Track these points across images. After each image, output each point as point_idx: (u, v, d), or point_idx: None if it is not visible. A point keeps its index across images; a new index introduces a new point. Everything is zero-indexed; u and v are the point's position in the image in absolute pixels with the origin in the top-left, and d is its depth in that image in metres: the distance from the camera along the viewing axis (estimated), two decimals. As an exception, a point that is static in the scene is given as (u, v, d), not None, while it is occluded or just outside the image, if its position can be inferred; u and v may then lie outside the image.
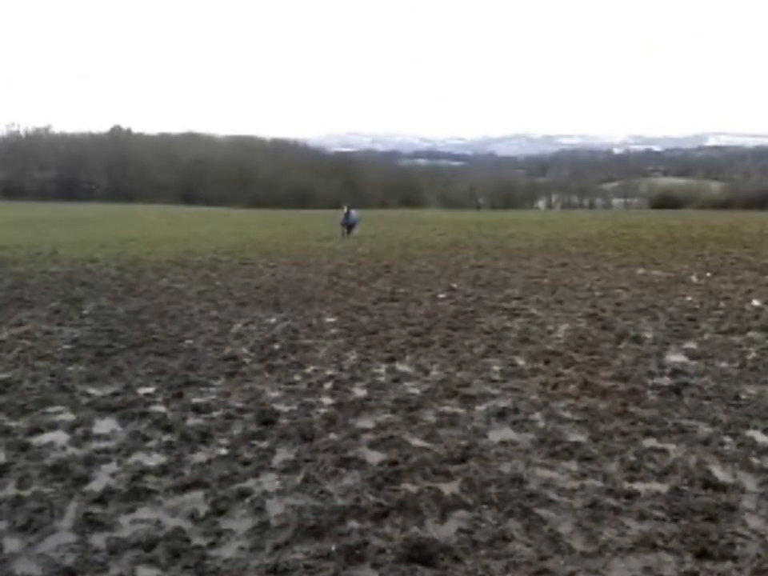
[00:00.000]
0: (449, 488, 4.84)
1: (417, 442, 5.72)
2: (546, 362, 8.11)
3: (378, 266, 17.69)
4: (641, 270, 16.30)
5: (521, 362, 8.21)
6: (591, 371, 7.71)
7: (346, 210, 28.33)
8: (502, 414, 6.35)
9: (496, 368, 7.94)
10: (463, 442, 5.66)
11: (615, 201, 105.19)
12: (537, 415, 6.35)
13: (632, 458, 5.33)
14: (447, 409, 6.53)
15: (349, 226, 28.16)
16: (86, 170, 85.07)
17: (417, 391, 7.09)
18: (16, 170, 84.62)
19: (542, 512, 4.49)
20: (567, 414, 6.36)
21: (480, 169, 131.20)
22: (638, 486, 4.86)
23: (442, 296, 12.93)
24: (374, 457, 5.41)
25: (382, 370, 7.92)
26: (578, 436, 5.79)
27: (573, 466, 5.22)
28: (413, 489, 4.82)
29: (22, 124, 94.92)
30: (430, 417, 6.31)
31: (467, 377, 7.56)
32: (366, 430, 5.98)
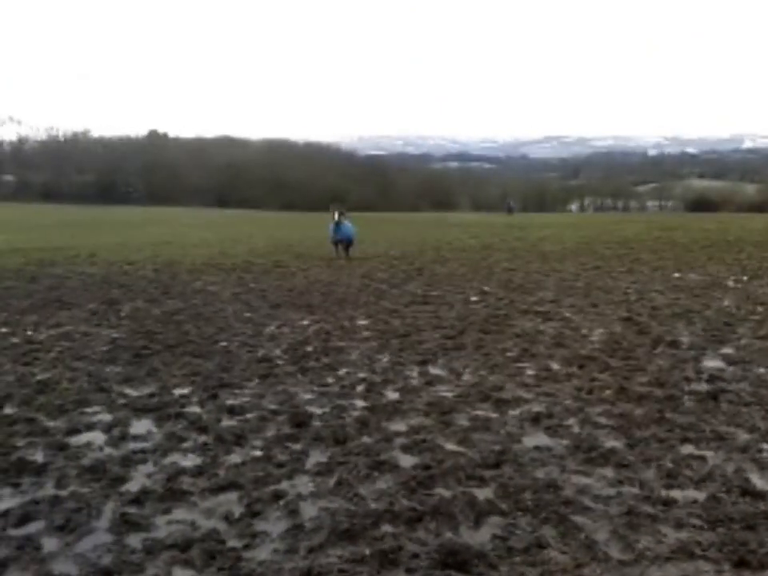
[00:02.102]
0: (483, 493, 4.80)
1: (450, 446, 5.69)
2: (581, 367, 8.02)
3: (410, 268, 17.69)
4: (676, 274, 16.05)
5: (555, 366, 8.13)
6: (627, 376, 7.60)
7: (336, 217, 19.81)
8: (536, 419, 6.29)
9: (529, 372, 7.87)
10: (497, 447, 5.61)
11: (650, 203, 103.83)
12: (571, 420, 6.27)
13: (669, 465, 5.23)
14: (480, 413, 6.49)
15: (341, 241, 20.36)
16: (123, 174, 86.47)
17: (449, 395, 7.06)
18: (55, 174, 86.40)
19: (578, 519, 4.43)
20: (603, 420, 6.27)
21: (512, 171, 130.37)
22: (675, 494, 4.77)
23: (474, 299, 12.87)
24: (407, 461, 5.39)
25: (415, 373, 7.90)
26: (613, 442, 5.71)
27: (609, 472, 5.14)
28: (446, 494, 4.80)
29: (61, 128, 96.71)
30: (463, 421, 6.28)
31: (500, 381, 7.51)
32: (398, 434, 5.96)
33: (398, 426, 6.17)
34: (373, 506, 4.63)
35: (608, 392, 7.05)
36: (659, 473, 5.11)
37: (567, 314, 11.23)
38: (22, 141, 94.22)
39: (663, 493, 4.78)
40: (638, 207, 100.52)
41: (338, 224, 19.89)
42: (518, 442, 5.76)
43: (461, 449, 5.61)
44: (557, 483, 4.93)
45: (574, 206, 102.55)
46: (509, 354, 8.68)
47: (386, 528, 4.35)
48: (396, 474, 5.14)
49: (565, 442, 5.77)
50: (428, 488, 4.89)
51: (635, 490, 4.83)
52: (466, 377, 7.72)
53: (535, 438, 5.87)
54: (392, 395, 7.08)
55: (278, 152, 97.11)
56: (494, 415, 6.43)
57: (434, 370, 8.01)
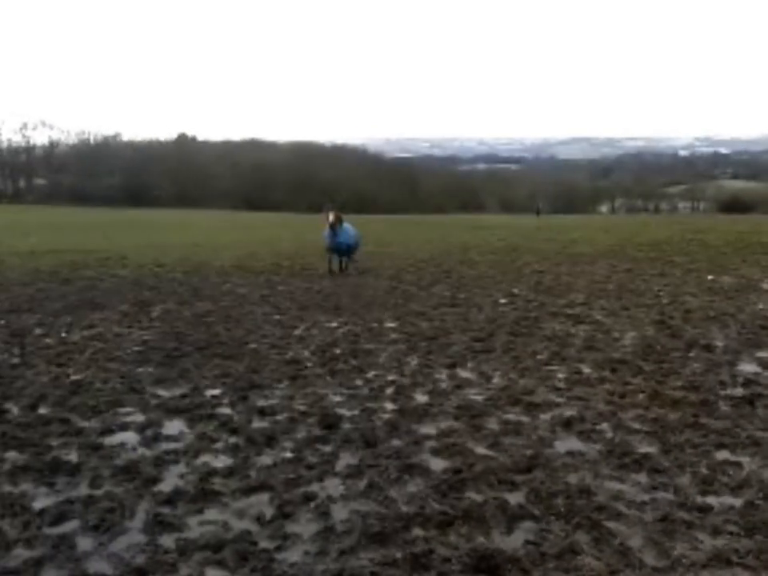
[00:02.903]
0: (515, 498, 4.77)
1: (481, 450, 5.66)
2: (613, 371, 7.93)
3: (438, 270, 17.64)
4: (710, 276, 15.80)
5: (586, 369, 8.04)
6: (660, 381, 7.49)
7: (331, 219, 16.90)
8: (567, 424, 6.23)
9: (560, 376, 7.80)
10: (528, 452, 5.57)
11: (681, 205, 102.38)
12: (604, 425, 6.20)
13: (704, 471, 5.16)
14: (511, 417, 6.45)
15: (342, 249, 17.41)
16: (152, 177, 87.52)
17: (479, 398, 7.02)
18: (85, 177, 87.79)
19: (612, 525, 4.38)
20: (636, 425, 6.19)
21: (540, 172, 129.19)
22: (711, 500, 4.70)
23: (503, 301, 12.79)
24: (438, 464, 5.38)
25: (444, 376, 7.87)
26: (647, 447, 5.63)
27: (643, 478, 5.08)
28: (478, 498, 4.77)
29: (91, 132, 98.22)
30: (493, 425, 6.24)
31: (531, 384, 7.45)
32: (428, 437, 5.95)
33: (428, 429, 6.16)
34: (404, 509, 4.62)
35: (641, 396, 6.97)
36: (694, 479, 5.03)
37: (598, 317, 11.10)
38: (53, 145, 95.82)
39: (699, 499, 4.71)
40: (670, 209, 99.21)
41: (333, 227, 16.93)
42: (549, 447, 5.72)
43: (491, 453, 5.58)
44: (590, 488, 4.88)
45: (604, 208, 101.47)
46: (539, 357, 8.61)
47: (417, 531, 4.34)
48: (426, 477, 5.13)
49: (598, 446, 5.71)
50: (459, 492, 4.88)
51: (670, 496, 4.76)
52: (496, 380, 7.67)
53: (567, 443, 5.81)
54: (421, 398, 7.06)
55: (305, 154, 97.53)
56: (525, 419, 6.39)
57: (463, 373, 7.98)
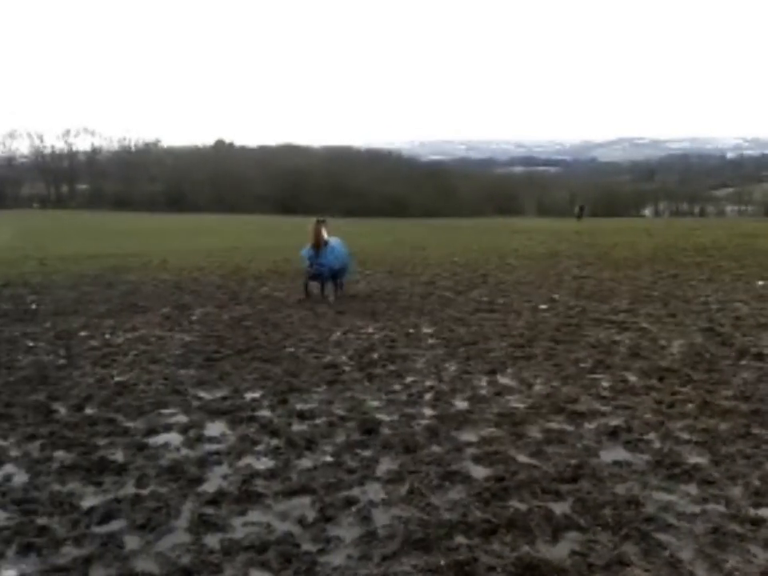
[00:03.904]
0: (560, 508, 4.70)
1: (523, 458, 5.58)
2: (660, 379, 7.76)
3: (475, 275, 17.52)
4: (760, 282, 15.39)
5: (632, 378, 7.88)
6: (710, 390, 7.31)
7: (319, 235, 13.70)
8: (613, 433, 6.11)
9: (605, 384, 7.66)
10: (573, 461, 5.48)
11: (729, 208, 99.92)
12: (652, 435, 6.06)
13: (756, 483, 5.02)
14: (554, 425, 6.35)
15: (324, 275, 13.76)
16: (191, 183, 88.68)
17: (521, 405, 6.94)
18: (127, 183, 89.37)
19: (661, 536, 4.29)
20: (685, 435, 6.05)
21: (580, 175, 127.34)
22: (763, 512, 4.58)
23: (543, 307, 12.65)
24: (479, 471, 5.32)
25: (483, 383, 7.80)
26: (697, 458, 5.50)
27: (693, 489, 4.96)
28: (522, 506, 4.71)
29: (133, 138, 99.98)
30: (535, 433, 6.16)
31: (574, 392, 7.34)
32: (469, 444, 5.89)
33: (469, 436, 6.10)
34: (446, 516, 4.58)
35: (690, 406, 6.81)
36: (746, 490, 4.90)
37: (644, 324, 10.89)
38: (95, 151, 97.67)
39: (751, 511, 4.59)
40: (716, 212, 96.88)
41: (316, 247, 13.51)
42: (595, 457, 5.62)
43: (535, 461, 5.51)
44: (638, 499, 4.79)
45: (647, 211, 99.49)
46: (582, 364, 8.48)
47: (460, 539, 4.30)
48: (468, 484, 5.08)
49: (645, 457, 5.59)
50: (502, 500, 4.82)
51: (721, 508, 4.65)
52: (538, 387, 7.58)
53: (613, 453, 5.71)
54: (461, 404, 7.00)
55: (340, 159, 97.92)
56: (569, 428, 6.29)
57: (503, 380, 7.90)
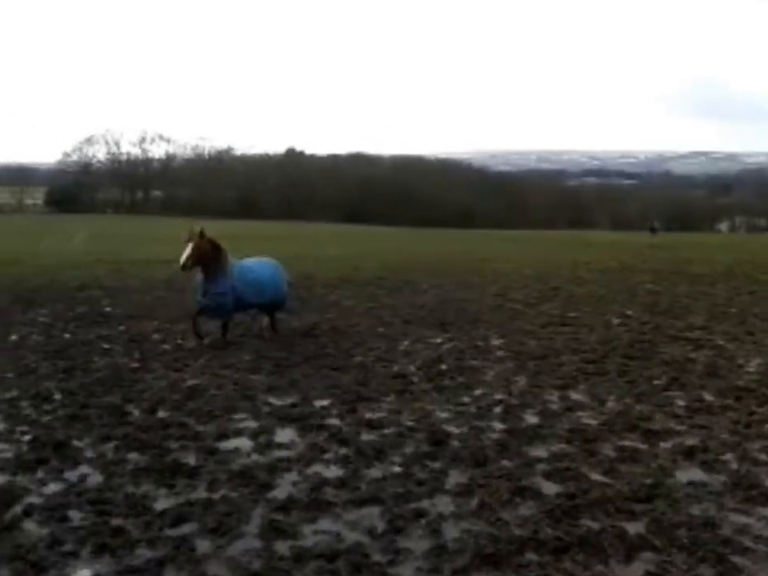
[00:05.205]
0: (634, 527, 4.58)
1: (596, 476, 5.46)
2: (737, 399, 7.48)
3: (546, 288, 17.27)
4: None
5: (708, 397, 7.63)
6: (789, 411, 7.01)
7: (185, 254, 9.89)
8: (689, 453, 5.92)
9: (680, 402, 7.43)
10: (647, 480, 5.33)
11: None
12: (729, 456, 5.86)
13: (841, 510, 4.77)
14: (627, 443, 6.19)
15: (212, 309, 10.28)
16: (261, 190, 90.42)
17: (593, 422, 6.79)
18: (199, 190, 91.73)
19: (737, 559, 4.14)
20: (763, 456, 5.83)
21: (655, 188, 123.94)
22: None
23: (616, 322, 12.36)
24: (550, 488, 5.23)
25: (554, 398, 7.66)
26: (776, 481, 5.28)
27: (772, 513, 4.76)
28: (594, 525, 4.60)
29: (206, 146, 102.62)
30: (608, 450, 6.01)
31: (648, 410, 7.14)
32: (540, 459, 5.80)
33: (539, 451, 6.01)
34: (517, 532, 4.52)
35: (770, 428, 6.54)
36: (829, 516, 4.67)
37: (720, 342, 10.54)
38: (170, 158, 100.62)
39: (834, 539, 4.36)
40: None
41: (209, 273, 10.05)
42: (670, 476, 5.46)
43: (607, 480, 5.38)
44: (714, 521, 4.64)
45: (723, 226, 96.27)
46: (656, 382, 8.25)
47: (531, 556, 4.24)
48: (539, 501, 5.00)
49: (722, 478, 5.41)
50: (574, 518, 4.72)
51: (802, 534, 4.44)
52: (610, 404, 7.40)
53: (689, 473, 5.54)
54: (531, 419, 6.90)
55: (409, 169, 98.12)
56: (643, 446, 6.13)
57: (574, 395, 7.75)
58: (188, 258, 9.81)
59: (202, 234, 10.00)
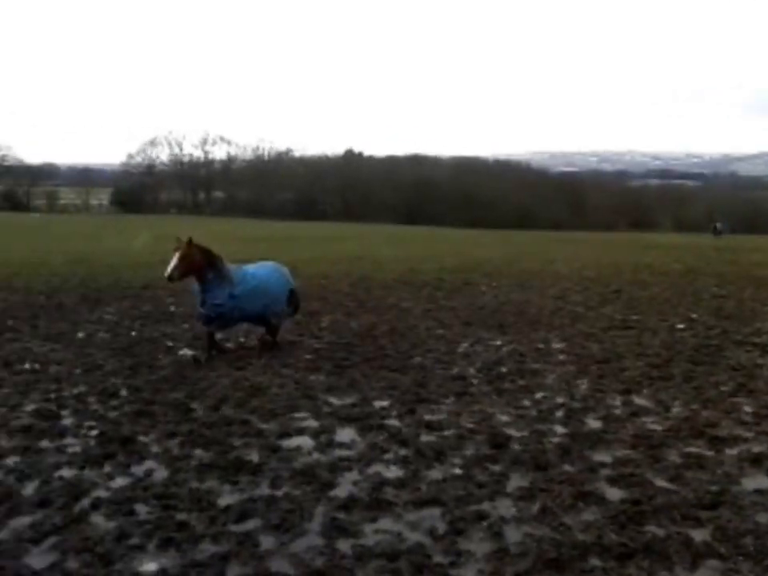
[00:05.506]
0: (699, 534, 4.50)
1: (661, 482, 5.37)
2: (809, 407, 7.23)
3: (607, 291, 16.96)
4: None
5: (777, 404, 7.39)
6: None
7: (171, 265, 9.21)
8: (756, 460, 5.78)
9: (747, 409, 7.23)
10: (713, 488, 5.22)
11: None
12: (798, 464, 5.68)
13: None
14: (693, 450, 6.06)
15: (212, 320, 9.56)
16: (320, 191, 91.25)
17: (658, 428, 6.67)
18: (259, 191, 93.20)
19: (808, 571, 4.00)
20: (834, 465, 5.62)
21: (720, 189, 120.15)
22: None
23: (680, 326, 12.06)
24: (614, 494, 5.16)
25: (618, 402, 7.54)
26: None
27: None
28: (659, 532, 4.54)
29: (266, 147, 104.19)
30: (674, 457, 5.89)
31: (714, 416, 6.96)
32: (603, 465, 5.72)
33: (603, 456, 5.93)
34: (580, 537, 4.47)
35: None
36: None
37: (789, 347, 10.18)
38: (231, 160, 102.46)
39: None
40: None
41: (204, 282, 9.47)
42: (736, 484, 5.35)
43: (673, 486, 5.29)
44: (781, 530, 4.50)
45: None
46: (723, 387, 8.04)
47: (595, 561, 4.19)
48: (603, 506, 4.94)
49: (790, 486, 5.24)
50: (639, 524, 4.66)
51: None
52: (676, 410, 7.25)
53: (756, 480, 5.42)
54: (594, 424, 6.81)
55: (467, 170, 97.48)
56: (709, 453, 6.00)
57: (638, 400, 7.61)
58: (174, 268, 9.20)
59: (189, 243, 9.35)
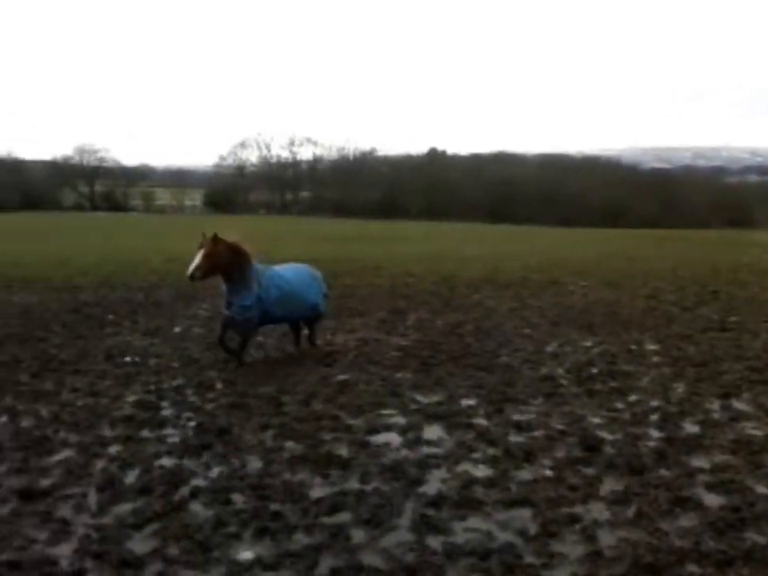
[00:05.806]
0: (805, 545, 4.27)
1: (762, 489, 5.15)
2: None
3: (703, 291, 16.29)
4: None
5: None
6: None
7: (195, 263, 8.62)
8: None
9: None
10: (819, 496, 4.95)
11: None
12: None
13: None
14: (798, 457, 5.76)
15: (238, 323, 9.01)
16: (404, 190, 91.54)
17: (759, 433, 6.38)
18: (344, 190, 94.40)
19: None
20: None
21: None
22: None
23: (782, 328, 11.47)
24: (713, 500, 4.99)
25: (716, 407, 7.26)
26: None
27: None
28: (760, 539, 4.36)
29: (350, 147, 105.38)
30: (776, 463, 5.63)
31: (822, 423, 6.60)
32: (701, 470, 5.53)
33: (700, 461, 5.73)
34: (677, 543, 4.35)
35: None
36: None
37: None
38: (316, 160, 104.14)
39: None
40: None
41: (231, 282, 8.94)
42: None
43: (776, 494, 5.04)
44: None
45: None
46: (832, 394, 7.59)
47: (693, 568, 4.08)
48: (701, 512, 4.78)
49: None
50: (738, 531, 4.50)
51: None
52: (779, 415, 6.90)
53: None
54: (691, 428, 6.58)
55: (554, 167, 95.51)
56: (815, 460, 5.67)
57: (738, 405, 7.30)
58: (197, 267, 8.58)
59: (215, 240, 8.68)
